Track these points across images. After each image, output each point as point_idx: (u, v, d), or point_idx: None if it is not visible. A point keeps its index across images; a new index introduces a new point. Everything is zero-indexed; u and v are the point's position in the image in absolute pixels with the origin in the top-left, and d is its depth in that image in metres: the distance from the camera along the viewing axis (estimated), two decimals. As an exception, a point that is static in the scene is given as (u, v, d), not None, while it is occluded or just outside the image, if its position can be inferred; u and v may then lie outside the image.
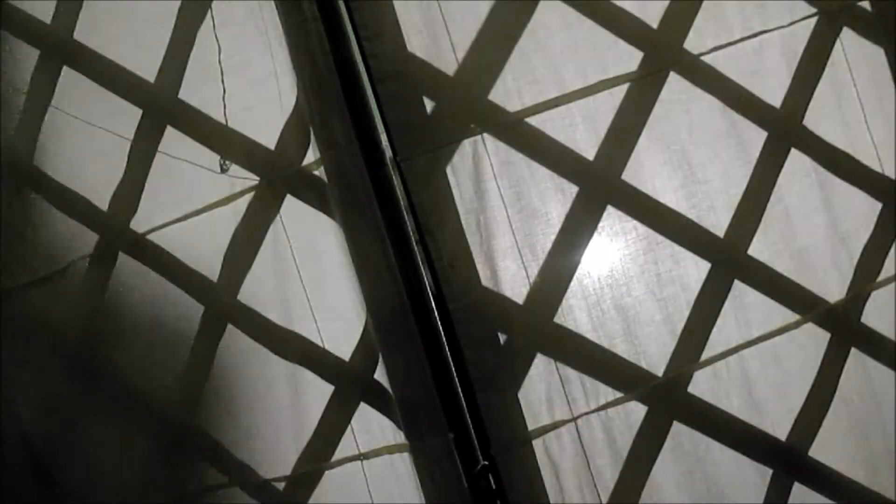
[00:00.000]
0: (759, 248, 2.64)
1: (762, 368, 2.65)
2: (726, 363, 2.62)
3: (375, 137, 2.47)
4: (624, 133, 2.56)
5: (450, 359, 2.46)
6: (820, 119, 2.66)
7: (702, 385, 2.60)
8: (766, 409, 2.65)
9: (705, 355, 2.61)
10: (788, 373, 2.67)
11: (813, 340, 2.68)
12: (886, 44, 2.68)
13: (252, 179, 2.56)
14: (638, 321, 2.57)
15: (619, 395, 2.54)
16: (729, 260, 2.62)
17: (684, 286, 2.60)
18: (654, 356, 2.58)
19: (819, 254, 2.68)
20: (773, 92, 2.64)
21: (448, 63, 2.49)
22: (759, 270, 2.64)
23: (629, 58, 2.56)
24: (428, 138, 2.48)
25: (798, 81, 2.65)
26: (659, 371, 2.57)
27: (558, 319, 2.53)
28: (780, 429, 2.65)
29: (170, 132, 2.58)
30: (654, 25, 2.58)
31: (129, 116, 2.60)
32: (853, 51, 2.67)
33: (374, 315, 2.48)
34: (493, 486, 2.45)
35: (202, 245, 2.61)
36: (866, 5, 2.69)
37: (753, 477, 2.64)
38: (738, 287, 2.63)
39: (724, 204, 2.62)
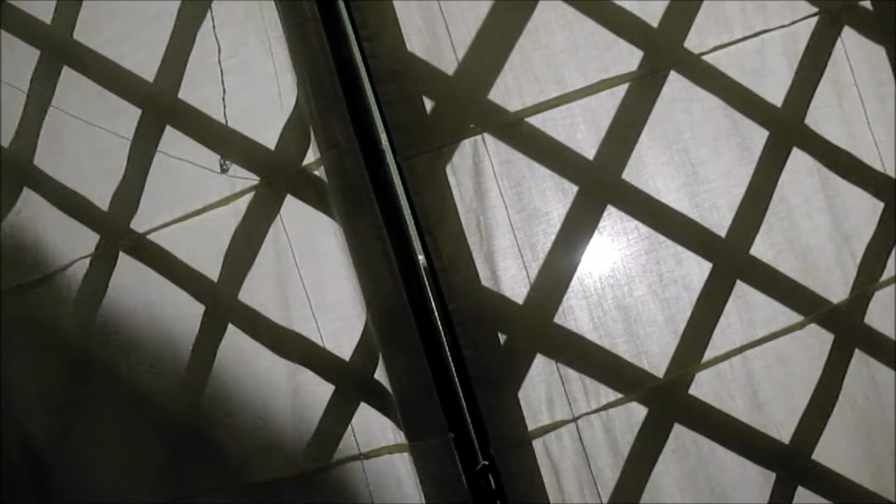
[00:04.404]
0: (762, 248, 2.63)
1: (766, 369, 2.63)
2: (730, 364, 2.61)
3: (375, 137, 2.47)
4: (625, 132, 2.55)
5: (450, 359, 2.45)
6: (821, 118, 2.66)
7: (705, 386, 2.59)
8: (770, 409, 2.63)
9: (708, 356, 2.59)
10: (792, 373, 2.66)
11: (816, 341, 2.67)
12: (887, 43, 2.68)
13: (252, 179, 2.56)
14: (640, 321, 2.56)
15: (620, 395, 2.53)
16: (732, 260, 2.61)
17: (687, 286, 2.59)
18: (656, 356, 2.56)
19: (822, 253, 2.67)
20: (775, 91, 2.63)
21: (448, 62, 2.49)
22: (761, 270, 2.63)
23: (630, 57, 2.56)
24: (428, 138, 2.47)
25: (799, 80, 2.64)
26: (661, 371, 2.56)
27: (559, 319, 2.52)
28: (783, 430, 2.64)
29: (170, 132, 2.59)
30: (655, 24, 2.57)
31: (128, 116, 2.61)
32: (854, 50, 2.66)
33: (374, 315, 2.48)
34: (493, 486, 2.44)
35: (202, 245, 2.61)
36: (867, 4, 2.68)
37: (757, 478, 2.62)
38: (741, 287, 2.62)
39: (727, 203, 2.61)
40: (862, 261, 2.69)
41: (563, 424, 2.48)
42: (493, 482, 2.44)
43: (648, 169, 2.57)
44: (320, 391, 2.58)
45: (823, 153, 2.66)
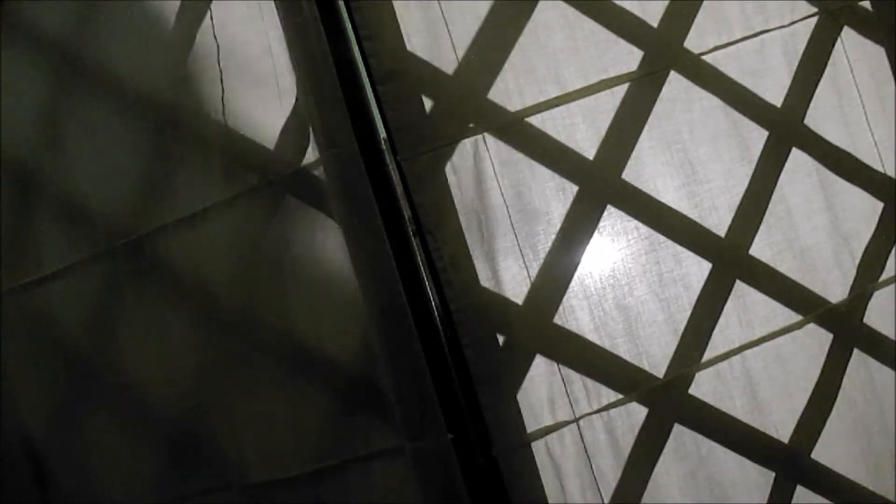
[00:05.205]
0: (762, 248, 2.64)
1: (765, 369, 2.64)
2: (729, 364, 2.61)
3: (375, 137, 2.46)
4: (625, 132, 2.55)
5: (450, 359, 2.45)
6: (821, 118, 2.67)
7: (704, 386, 2.59)
8: (770, 409, 2.64)
9: (708, 356, 2.59)
10: (791, 373, 2.66)
11: (815, 341, 2.67)
12: (887, 43, 2.69)
13: (252, 180, 2.55)
14: (640, 321, 2.56)
15: (620, 395, 2.53)
16: (731, 260, 2.61)
17: (686, 286, 2.59)
18: (657, 357, 2.56)
19: (821, 254, 2.68)
20: (775, 91, 2.64)
21: (448, 62, 2.48)
22: (761, 270, 2.63)
23: (630, 57, 2.56)
24: (428, 138, 2.46)
25: (799, 80, 2.65)
26: (661, 372, 2.56)
27: (559, 320, 2.51)
28: (783, 430, 2.64)
29: (169, 132, 2.58)
30: (655, 24, 2.58)
31: (128, 117, 2.60)
32: (854, 50, 2.67)
33: (374, 315, 2.47)
34: (494, 487, 2.43)
35: (202, 246, 2.60)
36: (867, 5, 2.69)
37: (756, 478, 2.62)
38: (741, 287, 2.62)
39: (726, 203, 2.62)
40: (861, 261, 2.70)
41: (564, 425, 2.48)
42: (493, 483, 2.43)
43: (648, 169, 2.57)
44: (320, 391, 2.57)
45: (823, 153, 2.67)
